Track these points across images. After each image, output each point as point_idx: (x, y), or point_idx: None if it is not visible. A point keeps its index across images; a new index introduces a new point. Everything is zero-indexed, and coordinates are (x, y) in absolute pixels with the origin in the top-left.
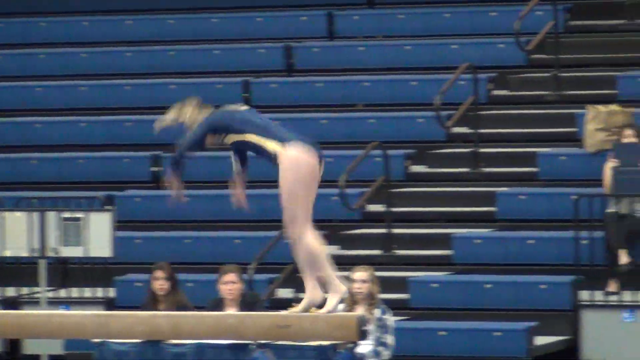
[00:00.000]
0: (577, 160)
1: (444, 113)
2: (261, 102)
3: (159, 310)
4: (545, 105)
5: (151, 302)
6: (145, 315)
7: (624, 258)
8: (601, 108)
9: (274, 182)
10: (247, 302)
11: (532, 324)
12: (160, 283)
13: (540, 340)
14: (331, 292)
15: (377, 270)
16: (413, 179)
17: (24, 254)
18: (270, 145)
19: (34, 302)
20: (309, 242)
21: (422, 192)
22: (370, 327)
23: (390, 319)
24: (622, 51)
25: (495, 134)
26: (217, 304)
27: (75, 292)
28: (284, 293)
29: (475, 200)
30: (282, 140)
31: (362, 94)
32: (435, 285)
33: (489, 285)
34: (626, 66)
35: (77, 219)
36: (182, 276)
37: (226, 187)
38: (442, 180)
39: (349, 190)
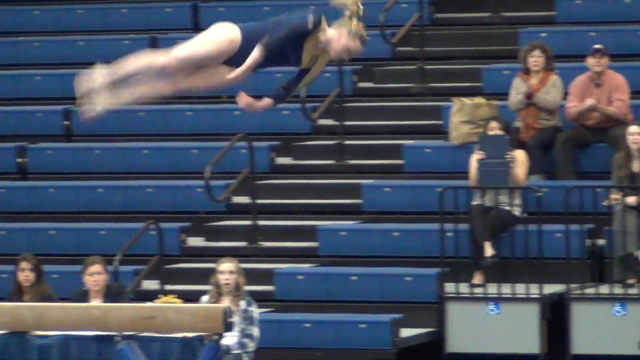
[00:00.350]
0: (443, 152)
1: (310, 105)
2: None
3: (24, 301)
4: (410, 97)
5: (16, 293)
6: (9, 306)
7: (489, 250)
8: (466, 101)
9: (139, 174)
10: (112, 294)
11: (397, 316)
12: (25, 274)
13: (406, 333)
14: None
15: (242, 262)
16: (278, 171)
17: None
18: None
19: None
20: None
21: (288, 184)
22: (236, 319)
23: (256, 311)
24: (487, 44)
25: (361, 126)
26: (82, 296)
27: None
28: (149, 285)
29: (341, 192)
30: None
31: (227, 88)
32: (300, 277)
33: (354, 278)
34: (491, 59)
35: None
36: (46, 268)
37: (94, 179)
38: (307, 173)
39: (214, 182)
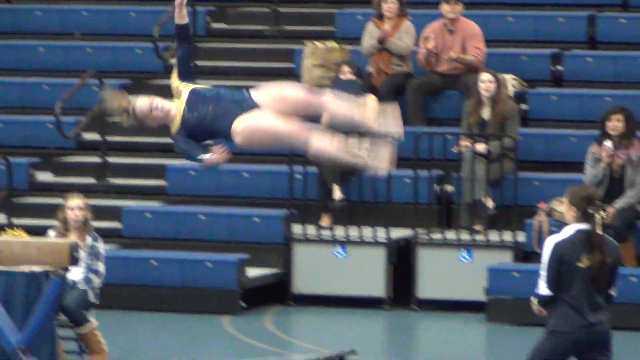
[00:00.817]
0: None
1: (162, 44)
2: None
3: None
4: (263, 39)
5: None
6: None
7: (337, 194)
8: (319, 44)
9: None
10: None
11: (244, 256)
12: None
13: (252, 273)
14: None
15: (90, 198)
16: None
17: None
18: None
19: None
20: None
21: None
22: (82, 254)
23: (102, 247)
24: None
25: (215, 67)
26: None
27: None
28: None
29: None
30: None
31: (80, 23)
32: (148, 215)
33: (202, 217)
34: (345, 3)
35: None
36: None
37: None
38: None
39: (65, 119)
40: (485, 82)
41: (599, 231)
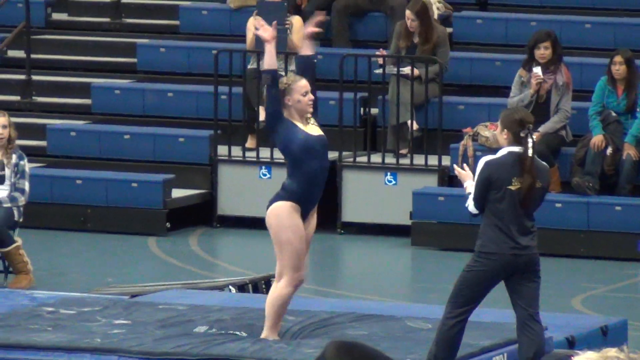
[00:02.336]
0: (219, 15)
1: None
2: None
3: None
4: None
5: None
6: None
7: (262, 115)
8: None
9: None
10: None
11: (169, 176)
12: None
13: (177, 193)
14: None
15: (15, 116)
16: (54, 26)
17: None
18: None
19: None
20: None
21: (64, 40)
22: (7, 172)
23: (27, 165)
24: None
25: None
26: None
27: None
28: None
29: (117, 51)
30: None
31: None
32: (73, 133)
33: (127, 136)
34: None
35: None
36: None
37: None
38: (83, 30)
39: None
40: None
41: (530, 154)
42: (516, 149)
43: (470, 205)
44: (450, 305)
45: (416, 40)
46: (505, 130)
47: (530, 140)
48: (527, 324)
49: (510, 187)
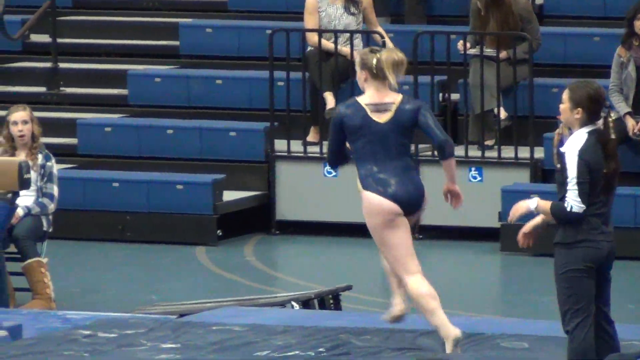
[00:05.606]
0: None
1: None
2: None
3: None
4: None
5: None
6: None
7: (331, 102)
8: None
9: None
10: None
11: (219, 176)
12: None
13: (229, 196)
14: (445, 340)
15: (40, 111)
16: (83, 6)
17: None
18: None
19: None
20: (411, 287)
21: (94, 21)
22: (32, 176)
23: (55, 167)
24: None
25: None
26: None
27: None
28: None
29: (156, 32)
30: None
31: None
32: (108, 129)
33: (170, 131)
34: None
35: None
36: None
37: None
38: (117, 9)
39: (9, 17)
40: None
41: (614, 135)
42: (590, 129)
43: (576, 204)
44: (571, 313)
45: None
46: (580, 108)
47: (610, 118)
48: (602, 325)
49: (604, 170)
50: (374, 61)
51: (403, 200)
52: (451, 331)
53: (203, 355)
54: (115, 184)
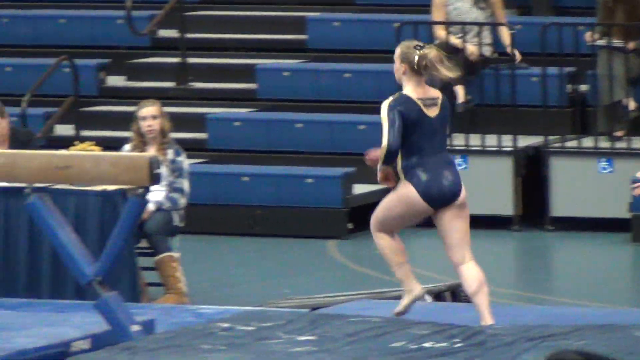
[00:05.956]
0: None
1: None
2: None
3: None
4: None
5: None
6: None
7: (461, 95)
8: None
9: (49, 2)
10: (20, 141)
11: (349, 170)
12: None
13: (359, 189)
14: (405, 294)
15: (169, 105)
16: (211, 0)
17: None
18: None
19: None
20: (380, 242)
21: (222, 16)
22: (163, 171)
23: (185, 162)
24: None
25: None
26: None
27: None
28: (63, 130)
29: (284, 26)
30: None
31: None
32: (237, 123)
33: (299, 125)
34: None
35: None
36: None
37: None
38: (244, 3)
39: (137, 13)
40: None
41: None
42: None
43: None
44: None
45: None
46: None
47: None
48: None
49: None
50: (416, 58)
51: (435, 197)
52: (415, 287)
53: (339, 346)
54: (245, 179)
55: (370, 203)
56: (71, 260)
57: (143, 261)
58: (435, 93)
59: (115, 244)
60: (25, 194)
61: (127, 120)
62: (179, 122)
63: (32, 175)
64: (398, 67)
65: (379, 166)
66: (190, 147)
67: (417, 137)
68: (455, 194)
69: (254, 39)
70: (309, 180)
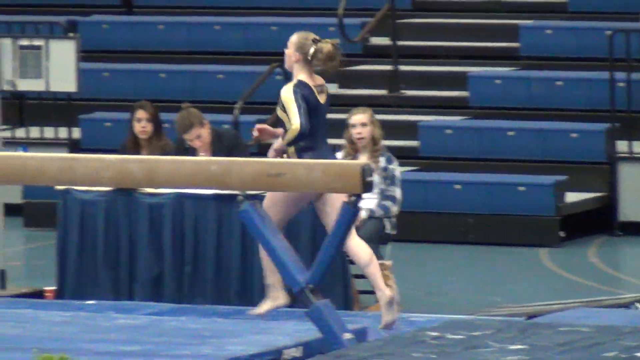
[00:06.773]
0: None
1: None
2: None
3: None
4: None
5: (132, 146)
6: (114, 159)
7: None
8: None
9: (263, 9)
10: (225, 146)
11: (562, 177)
12: (142, 125)
13: (571, 197)
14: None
15: (381, 113)
16: (422, 8)
17: None
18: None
19: None
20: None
21: (434, 23)
22: (375, 178)
23: (397, 169)
24: None
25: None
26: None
27: (34, 132)
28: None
29: (496, 34)
30: None
31: None
32: (449, 131)
33: (511, 133)
34: None
35: (36, 48)
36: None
37: (207, 14)
38: (455, 11)
39: (349, 20)
40: None
41: None
42: None
43: None
44: None
45: None
46: None
47: None
48: None
49: None
50: (312, 50)
51: None
52: (281, 296)
53: (550, 355)
54: (457, 186)
55: (582, 211)
56: (283, 268)
57: (355, 269)
58: (321, 81)
59: (327, 252)
60: (238, 201)
61: (337, 128)
62: (391, 129)
63: (244, 182)
64: (291, 54)
65: (275, 145)
66: (402, 155)
67: (313, 122)
68: None
69: (465, 47)
70: (521, 189)
